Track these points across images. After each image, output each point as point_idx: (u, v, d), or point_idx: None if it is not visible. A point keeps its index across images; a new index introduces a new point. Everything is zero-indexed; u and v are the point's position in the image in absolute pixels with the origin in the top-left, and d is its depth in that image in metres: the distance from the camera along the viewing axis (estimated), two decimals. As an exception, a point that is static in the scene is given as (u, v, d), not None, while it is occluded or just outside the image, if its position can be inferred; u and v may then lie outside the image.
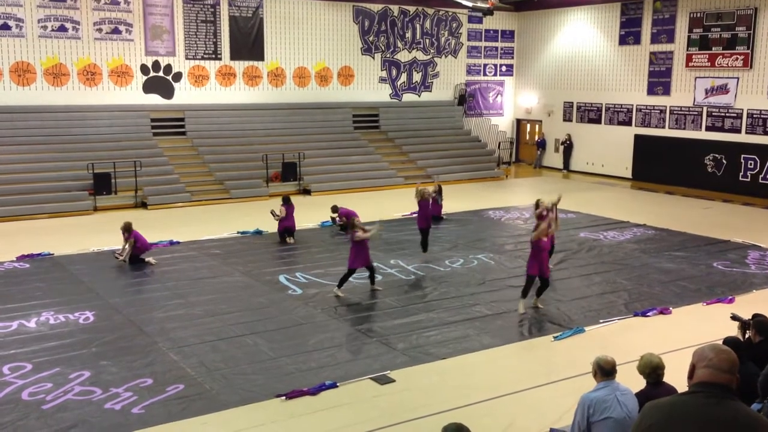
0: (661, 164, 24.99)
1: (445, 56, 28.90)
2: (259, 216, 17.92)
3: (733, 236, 16.67)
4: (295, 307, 11.55)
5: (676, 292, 12.45)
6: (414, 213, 17.83)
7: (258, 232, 16.92)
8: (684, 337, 9.93)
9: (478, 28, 29.47)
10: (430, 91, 28.79)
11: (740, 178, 23.03)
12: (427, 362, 9.34)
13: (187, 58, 23.76)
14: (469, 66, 29.58)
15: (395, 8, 27.44)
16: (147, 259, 14.19)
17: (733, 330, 7.41)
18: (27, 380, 8.66)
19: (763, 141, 22.39)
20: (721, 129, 23.51)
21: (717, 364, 3.29)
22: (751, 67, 22.59)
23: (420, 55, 28.33)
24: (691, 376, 3.39)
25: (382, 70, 27.58)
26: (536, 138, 30.02)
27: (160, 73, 23.41)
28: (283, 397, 8.23)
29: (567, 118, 28.59)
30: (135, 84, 23.08)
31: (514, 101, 30.88)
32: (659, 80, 25.16)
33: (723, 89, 23.34)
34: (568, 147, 28.35)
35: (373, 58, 27.31)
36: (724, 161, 23.43)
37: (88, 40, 22.15)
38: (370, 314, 11.39)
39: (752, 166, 22.72)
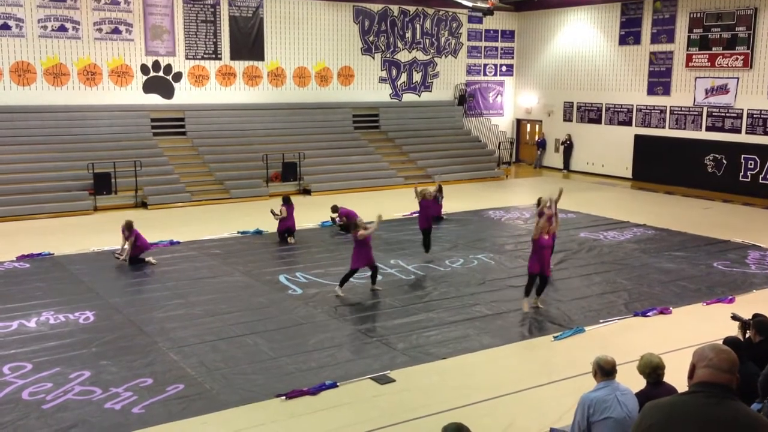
0: (661, 164, 25.00)
1: (445, 56, 28.90)
2: (259, 216, 17.92)
3: (733, 236, 16.67)
4: (296, 306, 11.55)
5: (676, 292, 12.45)
6: (414, 213, 17.86)
7: (258, 232, 16.93)
8: (684, 337, 9.93)
9: (478, 28, 29.47)
10: (430, 91, 28.80)
11: (740, 178, 23.03)
12: (427, 362, 9.34)
13: (187, 58, 23.76)
14: (469, 66, 29.58)
15: (395, 8, 27.44)
16: (147, 259, 14.19)
17: (733, 330, 7.41)
18: (27, 380, 8.66)
19: (763, 141, 22.39)
20: (722, 129, 23.51)
21: (717, 363, 3.29)
22: (751, 67, 22.60)
23: (420, 55, 28.33)
24: (691, 376, 3.39)
25: (382, 70, 27.58)
26: (536, 138, 30.03)
27: (160, 73, 23.42)
28: (283, 397, 8.23)
29: (567, 118, 28.59)
30: (135, 84, 23.08)
31: (514, 101, 30.89)
32: (659, 80, 25.16)
33: (723, 89, 23.34)
34: (568, 147, 28.35)
35: (373, 58, 27.32)
36: (725, 161, 23.43)
37: (88, 40, 22.15)
38: (370, 314, 11.39)
39: (752, 166, 22.72)
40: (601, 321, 10.95)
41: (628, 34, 26.09)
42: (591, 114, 27.64)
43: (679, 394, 3.48)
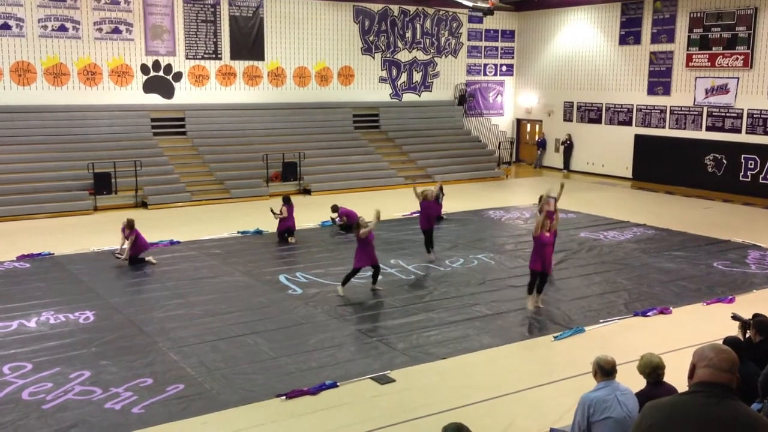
0: (661, 164, 24.99)
1: (446, 56, 28.90)
2: (259, 216, 17.92)
3: (733, 236, 16.67)
4: (296, 306, 11.55)
5: (676, 292, 12.44)
6: (414, 213, 17.87)
7: (258, 232, 16.92)
8: (684, 336, 9.93)
9: (478, 28, 29.47)
10: (431, 91, 28.79)
11: (740, 178, 23.03)
12: (427, 362, 9.34)
13: (187, 58, 23.76)
14: (469, 66, 29.58)
15: (395, 8, 27.44)
16: (147, 258, 14.19)
17: (733, 330, 7.41)
18: (27, 380, 8.66)
19: (764, 141, 22.39)
20: (722, 129, 23.51)
21: (717, 363, 3.29)
22: (751, 67, 22.59)
23: (420, 55, 28.33)
24: (691, 375, 3.39)
25: (382, 70, 27.58)
26: (536, 138, 30.03)
27: (161, 73, 23.42)
28: (284, 397, 8.23)
29: (567, 118, 28.59)
30: (135, 84, 23.08)
31: (514, 101, 30.88)
32: (659, 80, 25.16)
33: (723, 89, 23.34)
34: (568, 147, 28.35)
35: (374, 57, 27.32)
36: (725, 161, 23.43)
37: (88, 40, 22.15)
38: (370, 314, 11.39)
39: (752, 166, 22.72)
40: (601, 321, 10.95)
41: (629, 34, 26.09)
42: (591, 114, 27.64)
43: (680, 394, 3.48)
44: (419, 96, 28.53)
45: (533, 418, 7.73)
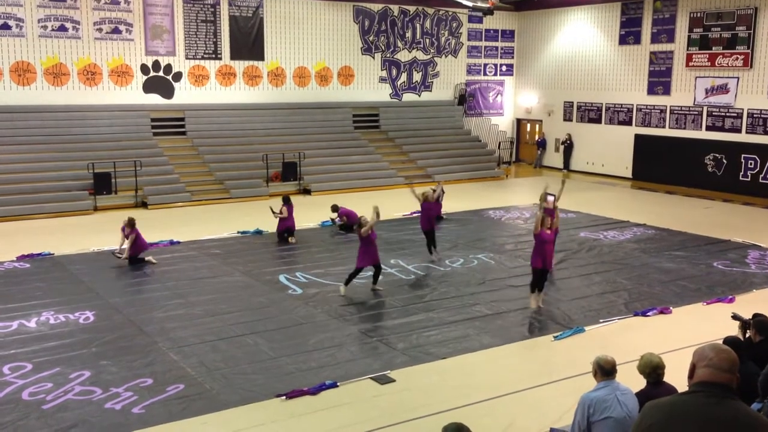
0: (661, 164, 24.99)
1: (445, 56, 28.90)
2: (259, 216, 17.92)
3: (733, 236, 16.67)
4: (296, 306, 11.55)
5: (676, 292, 12.44)
6: (414, 213, 17.88)
7: (258, 232, 16.92)
8: (684, 336, 9.93)
9: (478, 28, 29.46)
10: (430, 90, 28.79)
11: (740, 178, 23.03)
12: (427, 362, 9.34)
13: (187, 58, 23.76)
14: (469, 66, 29.57)
15: (395, 8, 27.44)
16: (147, 258, 14.19)
17: (733, 329, 7.41)
18: (27, 380, 8.66)
19: (764, 141, 22.39)
20: (722, 129, 23.51)
21: (717, 363, 3.29)
22: (751, 66, 22.59)
23: (420, 55, 28.32)
24: (691, 375, 3.39)
25: (382, 70, 27.58)
26: (536, 138, 30.03)
27: (160, 73, 23.42)
28: (284, 397, 8.24)
29: (567, 117, 28.59)
30: (135, 84, 23.08)
31: (514, 101, 30.88)
32: (659, 80, 25.16)
33: (723, 89, 23.34)
34: (568, 147, 28.35)
35: (373, 57, 27.31)
36: (725, 161, 23.43)
37: (88, 40, 22.15)
38: (370, 314, 11.39)
39: (752, 166, 22.72)
40: (601, 321, 10.95)
41: (628, 34, 26.08)
42: (591, 114, 27.63)
43: (680, 394, 3.48)
44: (419, 96, 28.53)
45: (533, 418, 7.73)
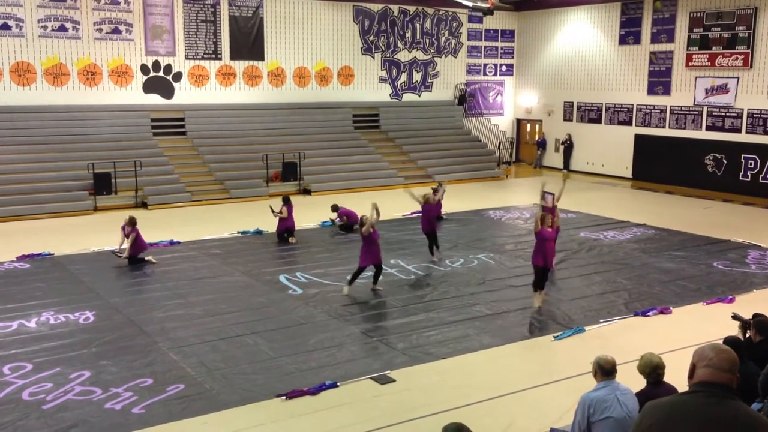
0: (661, 164, 24.99)
1: (445, 56, 28.90)
2: (259, 216, 17.92)
3: (733, 236, 16.67)
4: (296, 306, 11.55)
5: (676, 292, 12.44)
6: (414, 213, 17.88)
7: (258, 232, 16.92)
8: (684, 336, 9.93)
9: (478, 28, 29.46)
10: (430, 90, 28.79)
11: (740, 178, 23.03)
12: (427, 362, 9.34)
13: (187, 58, 23.76)
14: (469, 66, 29.57)
15: (395, 8, 27.44)
16: (147, 258, 14.19)
17: (733, 329, 7.41)
18: (27, 380, 8.66)
19: (764, 141, 22.39)
20: (722, 129, 23.51)
21: (717, 363, 3.29)
22: (751, 66, 22.59)
23: (420, 55, 28.32)
24: (691, 375, 3.39)
25: (382, 70, 27.58)
26: (536, 138, 30.03)
27: (160, 73, 23.42)
28: (284, 397, 8.23)
29: (567, 117, 28.59)
30: (135, 84, 23.08)
31: (514, 101, 30.88)
32: (659, 80, 25.16)
33: (723, 89, 23.34)
34: (568, 147, 28.35)
35: (373, 57, 27.31)
36: (725, 161, 23.43)
37: (88, 40, 22.15)
38: (370, 314, 11.39)
39: (752, 166, 22.72)
40: (601, 321, 10.95)
41: (628, 34, 26.09)
42: (591, 114, 27.63)
43: (680, 394, 3.48)
44: (419, 96, 28.53)
45: (533, 418, 7.73)
